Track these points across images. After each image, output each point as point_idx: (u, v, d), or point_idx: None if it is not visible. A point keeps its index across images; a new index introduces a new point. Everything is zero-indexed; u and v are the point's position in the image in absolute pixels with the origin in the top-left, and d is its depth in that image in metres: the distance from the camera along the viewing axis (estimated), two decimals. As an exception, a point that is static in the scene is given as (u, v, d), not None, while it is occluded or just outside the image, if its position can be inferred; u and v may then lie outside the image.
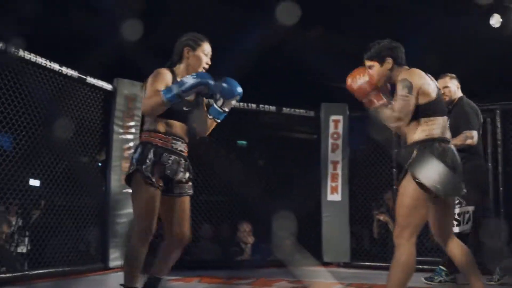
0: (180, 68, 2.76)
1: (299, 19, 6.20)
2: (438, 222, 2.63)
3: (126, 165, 4.71)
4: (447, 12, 6.26)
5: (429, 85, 2.56)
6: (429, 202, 2.48)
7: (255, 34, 5.99)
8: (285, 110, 5.55)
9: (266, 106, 5.48)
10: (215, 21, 5.95)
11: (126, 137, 4.89)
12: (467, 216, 3.88)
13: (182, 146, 2.71)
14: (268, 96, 5.62)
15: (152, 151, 2.59)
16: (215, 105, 2.73)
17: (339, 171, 5.35)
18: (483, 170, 4.19)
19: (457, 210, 3.75)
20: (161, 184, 2.61)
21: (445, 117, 2.63)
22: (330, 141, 5.49)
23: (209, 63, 2.79)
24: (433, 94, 2.55)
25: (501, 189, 4.94)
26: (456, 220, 3.77)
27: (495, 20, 6.37)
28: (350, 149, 5.51)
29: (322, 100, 5.62)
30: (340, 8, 5.94)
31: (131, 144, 4.85)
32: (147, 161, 2.57)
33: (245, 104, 5.27)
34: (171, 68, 2.74)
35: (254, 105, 5.40)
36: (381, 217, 5.65)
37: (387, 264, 4.64)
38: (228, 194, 5.43)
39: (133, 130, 4.91)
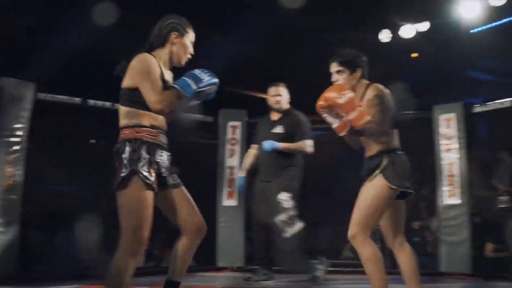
0: (161, 53, 2.43)
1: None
2: (393, 225, 2.71)
3: (10, 169, 4.42)
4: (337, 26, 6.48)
5: (390, 101, 2.68)
6: (389, 206, 2.62)
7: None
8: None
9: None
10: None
11: (12, 140, 4.48)
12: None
13: (165, 139, 2.41)
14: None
15: (144, 147, 2.26)
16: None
17: (236, 176, 5.32)
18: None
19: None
20: (156, 185, 2.29)
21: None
22: (228, 146, 5.46)
23: (193, 53, 2.53)
24: (393, 109, 2.68)
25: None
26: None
27: (384, 35, 6.72)
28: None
29: (222, 106, 5.57)
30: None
31: (17, 147, 4.48)
32: (142, 159, 2.24)
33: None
34: (150, 53, 2.40)
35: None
36: None
37: (279, 268, 4.87)
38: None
39: (20, 133, 4.52)
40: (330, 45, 6.68)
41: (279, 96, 4.33)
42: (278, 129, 4.28)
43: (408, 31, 6.54)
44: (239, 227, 5.33)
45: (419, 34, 6.56)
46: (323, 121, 2.71)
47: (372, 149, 2.65)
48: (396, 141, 2.68)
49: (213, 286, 4.28)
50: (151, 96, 2.23)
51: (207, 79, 2.29)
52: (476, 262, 4.92)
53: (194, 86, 2.24)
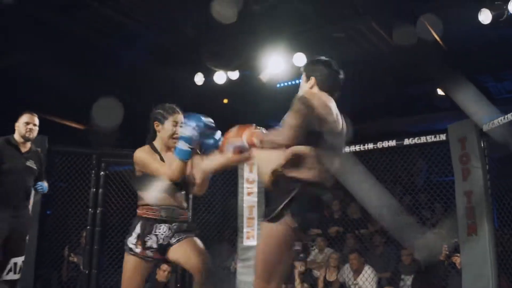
0: (157, 142, 2.84)
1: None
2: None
3: None
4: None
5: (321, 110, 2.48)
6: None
7: None
8: None
9: None
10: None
11: None
12: None
13: (168, 212, 2.74)
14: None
15: (139, 224, 2.72)
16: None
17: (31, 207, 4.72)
18: None
19: None
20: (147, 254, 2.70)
21: None
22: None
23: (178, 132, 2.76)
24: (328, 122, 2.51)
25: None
26: None
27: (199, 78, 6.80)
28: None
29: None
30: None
31: None
32: (132, 233, 2.71)
33: None
34: (151, 144, 2.83)
35: None
36: (74, 259, 5.34)
37: None
38: None
39: None
40: (150, 82, 6.63)
41: (34, 126, 4.01)
42: (31, 164, 3.95)
43: (220, 77, 6.68)
44: (29, 263, 4.69)
45: (230, 82, 6.74)
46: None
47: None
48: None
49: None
50: (163, 173, 2.65)
51: (193, 126, 2.56)
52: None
53: (186, 146, 2.55)
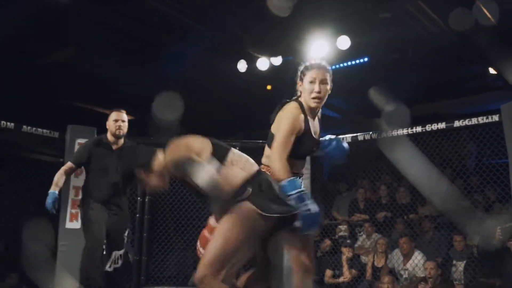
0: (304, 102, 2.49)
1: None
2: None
3: None
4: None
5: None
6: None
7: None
8: (26, 128, 4.86)
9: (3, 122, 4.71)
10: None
11: None
12: None
13: None
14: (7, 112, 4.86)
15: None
16: None
17: (81, 197, 4.85)
18: None
19: None
20: None
21: None
22: (74, 165, 4.97)
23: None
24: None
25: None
26: None
27: (242, 65, 6.76)
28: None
29: (70, 122, 5.10)
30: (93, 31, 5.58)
31: None
32: None
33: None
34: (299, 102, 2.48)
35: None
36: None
37: None
38: None
39: None
40: (195, 71, 6.67)
41: (122, 122, 4.04)
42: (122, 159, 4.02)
43: (263, 63, 6.64)
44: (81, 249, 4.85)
45: (273, 68, 6.69)
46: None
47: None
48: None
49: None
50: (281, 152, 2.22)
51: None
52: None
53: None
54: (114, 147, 4.02)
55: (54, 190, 3.86)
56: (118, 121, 4.01)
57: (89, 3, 5.13)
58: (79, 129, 5.08)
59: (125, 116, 4.05)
